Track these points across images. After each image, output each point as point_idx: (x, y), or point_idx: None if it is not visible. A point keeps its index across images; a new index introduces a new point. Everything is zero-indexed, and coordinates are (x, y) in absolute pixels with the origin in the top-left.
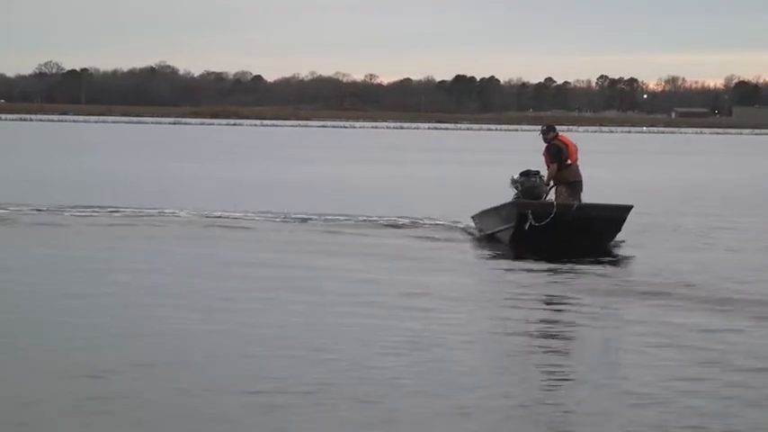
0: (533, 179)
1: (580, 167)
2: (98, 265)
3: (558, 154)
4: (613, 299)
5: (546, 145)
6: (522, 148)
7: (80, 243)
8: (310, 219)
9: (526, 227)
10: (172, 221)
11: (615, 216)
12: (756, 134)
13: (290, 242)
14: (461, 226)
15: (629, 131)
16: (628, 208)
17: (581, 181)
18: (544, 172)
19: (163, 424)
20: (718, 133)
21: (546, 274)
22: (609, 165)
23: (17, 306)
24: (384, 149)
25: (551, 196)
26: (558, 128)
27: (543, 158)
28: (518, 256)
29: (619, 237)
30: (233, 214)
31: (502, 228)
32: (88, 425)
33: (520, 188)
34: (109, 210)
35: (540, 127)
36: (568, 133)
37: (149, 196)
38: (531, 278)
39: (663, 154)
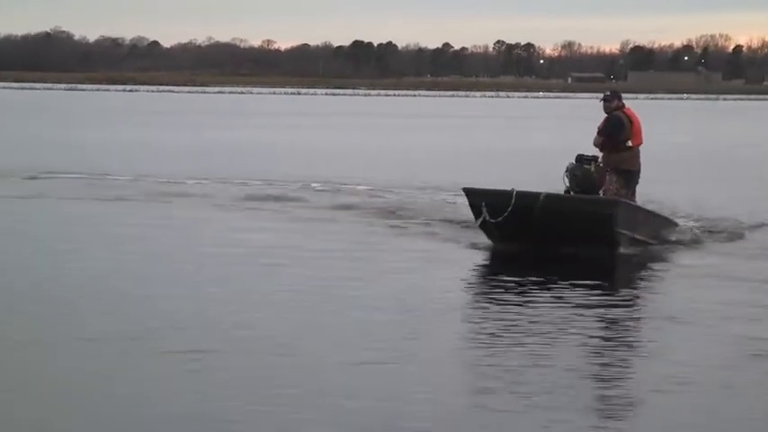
0: (587, 166)
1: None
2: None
3: (617, 130)
4: None
5: (606, 116)
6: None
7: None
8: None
9: (478, 223)
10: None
11: (598, 211)
12: (652, 99)
13: None
14: None
15: (526, 96)
16: (614, 203)
17: (639, 171)
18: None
19: None
20: None
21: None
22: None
23: None
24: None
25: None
26: (457, 93)
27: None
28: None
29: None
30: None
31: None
32: None
33: (569, 177)
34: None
35: (602, 94)
36: (468, 99)
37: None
38: None
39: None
